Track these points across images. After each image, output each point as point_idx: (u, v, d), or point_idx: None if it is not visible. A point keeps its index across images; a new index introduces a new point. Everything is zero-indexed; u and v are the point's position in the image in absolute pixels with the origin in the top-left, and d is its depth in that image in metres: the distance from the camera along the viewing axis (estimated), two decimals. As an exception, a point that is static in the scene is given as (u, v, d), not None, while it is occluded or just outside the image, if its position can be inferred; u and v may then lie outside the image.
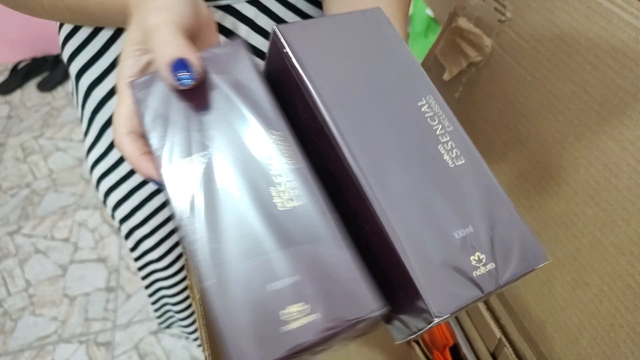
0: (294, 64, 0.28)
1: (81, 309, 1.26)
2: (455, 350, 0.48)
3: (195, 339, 0.90)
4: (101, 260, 1.37)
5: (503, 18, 0.42)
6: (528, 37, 0.39)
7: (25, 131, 1.88)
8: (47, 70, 2.21)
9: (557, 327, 0.38)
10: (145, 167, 0.29)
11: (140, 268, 0.73)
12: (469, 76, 0.46)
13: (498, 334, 0.41)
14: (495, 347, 0.43)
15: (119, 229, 0.64)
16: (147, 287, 0.78)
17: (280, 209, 0.26)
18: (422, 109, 0.29)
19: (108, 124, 0.52)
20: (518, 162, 0.41)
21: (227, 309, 0.23)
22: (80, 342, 1.19)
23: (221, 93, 0.29)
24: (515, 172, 0.41)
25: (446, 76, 0.49)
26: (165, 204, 0.60)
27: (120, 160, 0.55)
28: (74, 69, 0.51)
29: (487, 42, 0.44)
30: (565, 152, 0.36)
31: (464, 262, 0.24)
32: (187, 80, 0.27)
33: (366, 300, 0.24)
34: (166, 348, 1.15)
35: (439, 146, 0.27)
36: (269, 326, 0.23)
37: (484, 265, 0.24)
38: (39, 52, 2.27)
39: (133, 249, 0.67)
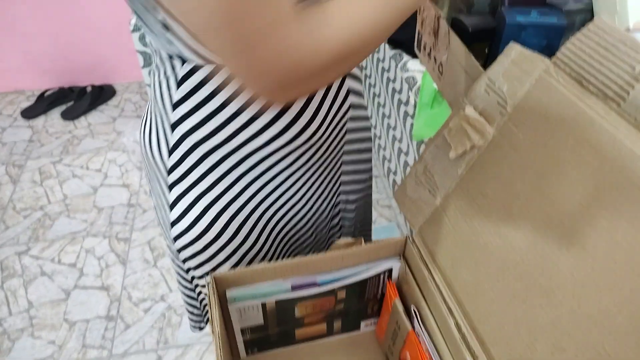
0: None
1: (79, 335, 1.28)
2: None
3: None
4: (104, 288, 1.41)
5: (504, 112, 0.49)
6: (524, 129, 0.46)
7: (45, 156, 1.96)
8: (72, 100, 2.32)
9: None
10: None
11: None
12: (471, 157, 0.53)
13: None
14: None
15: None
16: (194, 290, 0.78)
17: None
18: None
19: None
20: (510, 236, 0.47)
21: None
22: (75, 368, 1.21)
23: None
24: (507, 245, 0.47)
25: (452, 155, 0.56)
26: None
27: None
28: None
29: (489, 129, 0.51)
30: (551, 232, 0.42)
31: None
32: None
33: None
34: (159, 382, 1.16)
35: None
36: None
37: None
38: (66, 83, 2.39)
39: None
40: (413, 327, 0.58)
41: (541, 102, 0.44)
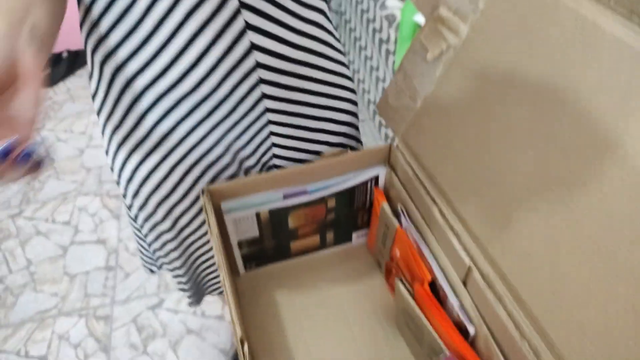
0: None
1: (81, 286, 1.32)
2: (433, 283, 0.56)
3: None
4: (101, 242, 1.43)
5: (475, 9, 0.52)
6: (496, 23, 0.49)
7: (27, 122, 1.94)
8: (48, 67, 2.28)
9: (513, 248, 0.46)
10: None
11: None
12: (447, 57, 0.56)
13: (467, 262, 0.50)
14: (465, 274, 0.51)
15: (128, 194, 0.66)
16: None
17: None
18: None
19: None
20: (488, 125, 0.50)
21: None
22: (80, 316, 1.25)
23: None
24: (485, 134, 0.50)
25: (429, 57, 0.58)
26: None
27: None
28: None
29: (463, 27, 0.53)
30: (527, 115, 0.45)
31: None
32: None
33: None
34: (163, 321, 1.21)
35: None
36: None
37: None
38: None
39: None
40: (400, 224, 0.61)
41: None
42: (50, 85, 2.16)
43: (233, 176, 0.65)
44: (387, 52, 1.41)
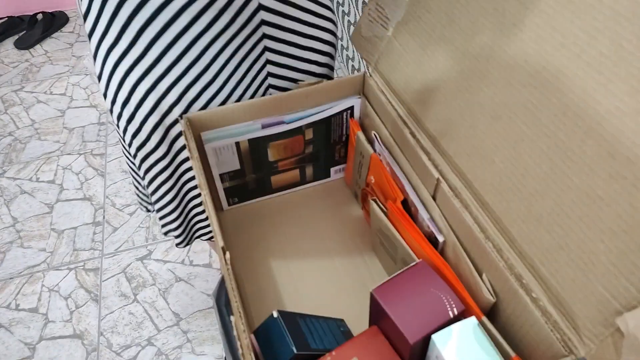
0: None
1: (69, 241, 1.33)
2: (405, 201, 0.59)
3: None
4: (87, 199, 1.44)
5: None
6: None
7: (4, 85, 1.91)
8: (24, 29, 2.22)
9: (478, 155, 0.49)
10: None
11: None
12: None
13: (436, 175, 0.53)
14: (435, 188, 0.54)
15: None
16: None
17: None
18: None
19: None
20: (454, 39, 0.52)
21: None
22: (69, 269, 1.27)
23: None
24: (453, 49, 0.52)
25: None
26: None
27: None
28: None
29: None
30: (489, 25, 0.47)
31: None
32: None
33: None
34: (152, 271, 1.24)
35: None
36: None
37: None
38: (15, 12, 2.28)
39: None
40: (374, 150, 0.64)
41: None
42: (27, 47, 2.11)
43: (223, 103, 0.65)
44: None
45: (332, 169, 0.77)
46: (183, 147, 0.68)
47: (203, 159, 0.66)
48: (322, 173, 0.77)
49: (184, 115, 0.61)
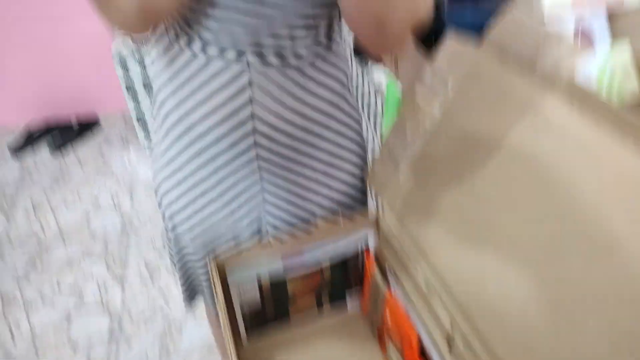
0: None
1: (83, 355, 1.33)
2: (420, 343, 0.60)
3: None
4: (105, 309, 1.46)
5: (446, 91, 0.59)
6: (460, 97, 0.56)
7: (36, 188, 2.02)
8: (58, 134, 2.38)
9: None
10: None
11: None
12: (424, 132, 0.63)
13: (448, 325, 0.55)
14: (447, 336, 0.56)
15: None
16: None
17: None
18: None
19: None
20: (467, 190, 0.56)
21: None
22: (83, 383, 1.25)
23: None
24: (465, 196, 0.56)
25: (409, 134, 0.65)
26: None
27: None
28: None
29: (437, 106, 0.61)
30: (501, 165, 0.51)
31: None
32: None
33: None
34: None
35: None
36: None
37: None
38: (47, 115, 2.45)
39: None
40: (389, 287, 0.66)
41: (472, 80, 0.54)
42: (60, 151, 2.25)
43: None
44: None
45: (348, 296, 0.79)
46: None
47: (226, 294, 0.69)
48: (338, 297, 0.79)
49: (211, 258, 0.65)
